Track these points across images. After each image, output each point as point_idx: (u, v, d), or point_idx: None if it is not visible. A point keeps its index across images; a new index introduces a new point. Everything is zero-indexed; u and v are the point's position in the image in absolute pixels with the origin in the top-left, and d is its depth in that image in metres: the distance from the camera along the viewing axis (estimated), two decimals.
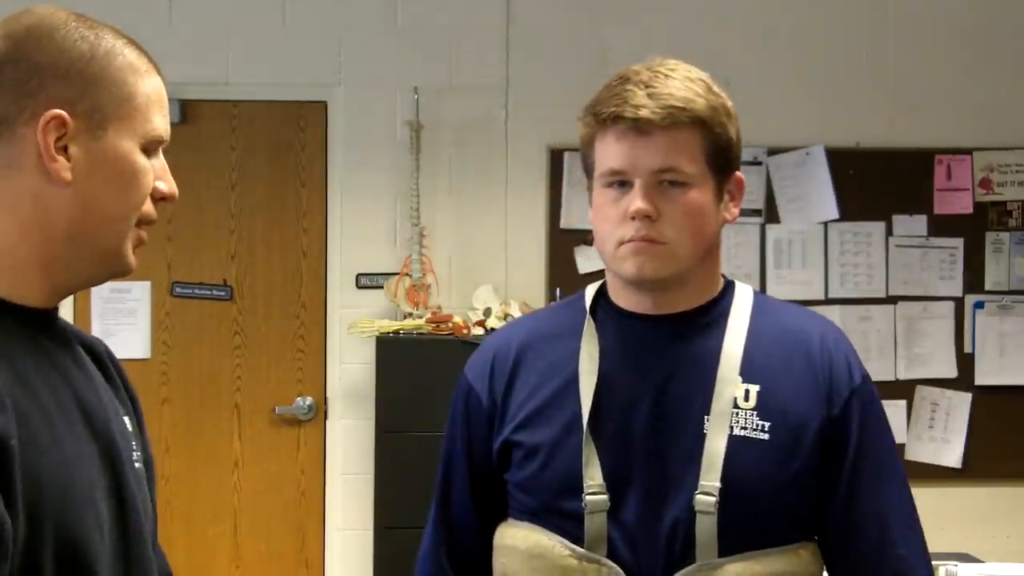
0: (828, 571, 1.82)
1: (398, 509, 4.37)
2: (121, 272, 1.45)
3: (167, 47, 4.82)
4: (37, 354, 1.37)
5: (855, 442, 1.77)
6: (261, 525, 4.80)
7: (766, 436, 1.72)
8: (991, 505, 4.83)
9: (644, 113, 1.69)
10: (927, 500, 4.54)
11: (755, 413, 1.73)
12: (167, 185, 1.45)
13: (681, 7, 4.81)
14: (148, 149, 1.42)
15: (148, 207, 1.43)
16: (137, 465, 1.48)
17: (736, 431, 1.72)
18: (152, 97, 1.43)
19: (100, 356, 1.54)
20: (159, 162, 1.45)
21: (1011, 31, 4.89)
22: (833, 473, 1.77)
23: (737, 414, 1.73)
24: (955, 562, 3.06)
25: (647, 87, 1.71)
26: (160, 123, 1.44)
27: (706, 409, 1.73)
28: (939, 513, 4.57)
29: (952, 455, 4.82)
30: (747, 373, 1.75)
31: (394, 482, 4.39)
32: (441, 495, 1.92)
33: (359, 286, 4.76)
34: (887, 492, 1.79)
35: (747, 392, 1.74)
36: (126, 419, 1.51)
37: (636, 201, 1.71)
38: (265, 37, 4.75)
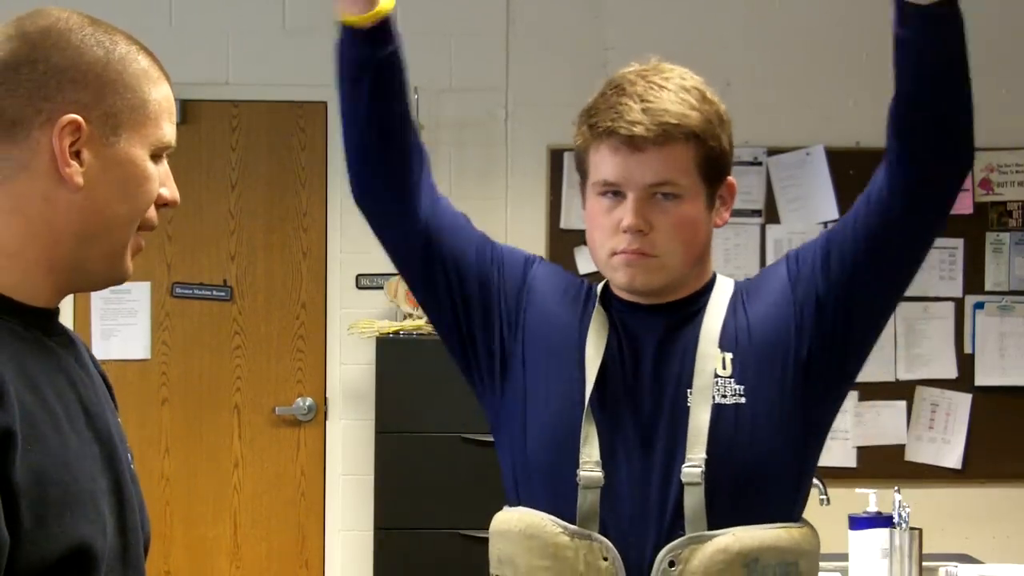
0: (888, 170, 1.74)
1: (398, 510, 4.36)
2: (118, 279, 1.45)
3: (167, 47, 4.80)
4: (43, 354, 1.37)
5: (820, 263, 1.79)
6: (261, 525, 4.80)
7: (743, 400, 1.77)
8: (991, 505, 4.82)
9: (639, 131, 1.73)
10: (927, 500, 4.58)
11: (732, 379, 1.78)
12: (170, 191, 1.46)
13: (681, 7, 4.81)
14: (156, 155, 1.43)
15: (151, 213, 1.44)
16: (132, 466, 1.48)
17: (717, 399, 1.77)
18: (163, 104, 1.44)
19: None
20: (163, 168, 1.46)
21: (1011, 31, 4.89)
22: (832, 274, 1.78)
23: (718, 383, 1.78)
24: (955, 563, 3.06)
25: (642, 100, 1.74)
26: (169, 130, 1.45)
27: (688, 383, 1.78)
28: (939, 513, 4.58)
29: (952, 456, 4.82)
30: (724, 342, 1.80)
31: (394, 483, 4.38)
32: None
33: (359, 286, 4.76)
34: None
35: (724, 360, 1.79)
36: (119, 419, 1.51)
37: (628, 216, 1.75)
38: (265, 37, 4.75)
